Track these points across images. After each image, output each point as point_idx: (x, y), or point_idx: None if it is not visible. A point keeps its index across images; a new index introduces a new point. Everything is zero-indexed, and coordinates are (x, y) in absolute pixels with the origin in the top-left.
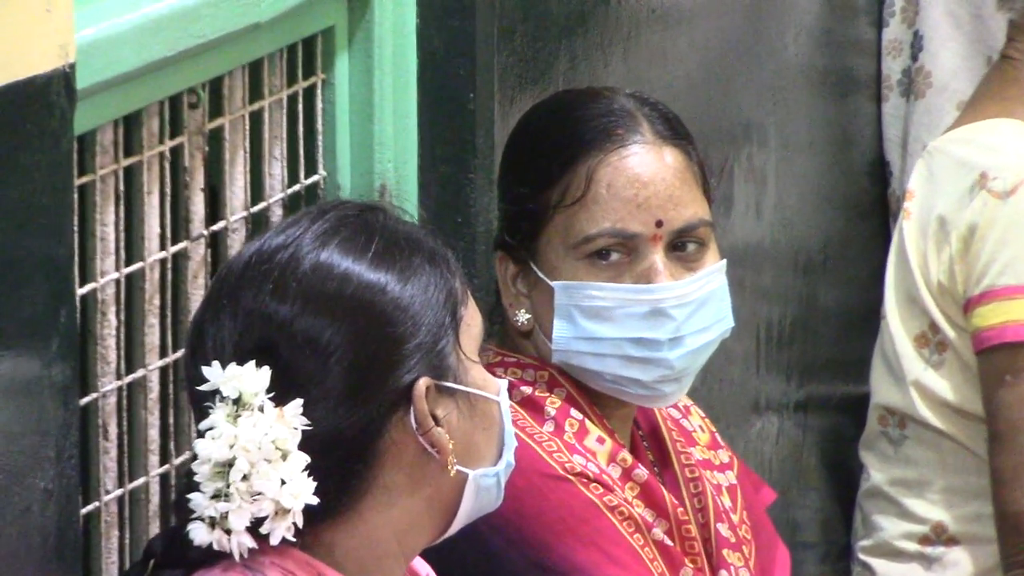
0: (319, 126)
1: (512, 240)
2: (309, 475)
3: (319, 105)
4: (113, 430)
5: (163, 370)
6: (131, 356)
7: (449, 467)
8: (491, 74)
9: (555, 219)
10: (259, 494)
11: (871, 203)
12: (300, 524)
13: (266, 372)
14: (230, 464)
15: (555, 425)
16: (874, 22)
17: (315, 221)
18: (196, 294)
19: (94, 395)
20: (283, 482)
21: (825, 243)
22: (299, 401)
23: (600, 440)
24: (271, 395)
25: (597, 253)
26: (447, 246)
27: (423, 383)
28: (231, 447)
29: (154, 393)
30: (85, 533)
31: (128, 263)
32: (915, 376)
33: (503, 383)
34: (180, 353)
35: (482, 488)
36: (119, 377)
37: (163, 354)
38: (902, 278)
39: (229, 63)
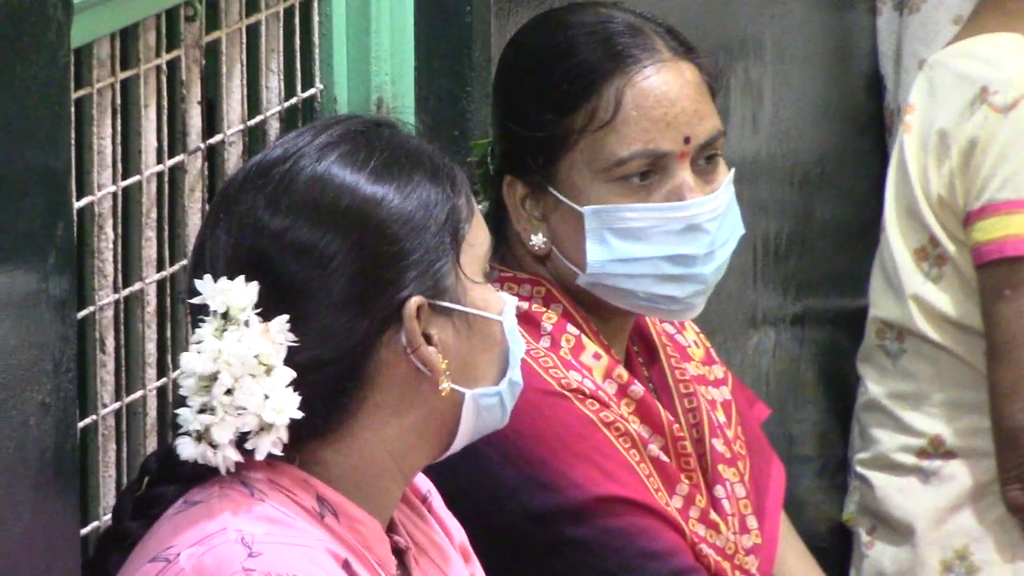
0: (316, 39)
1: (533, 164)
2: (298, 391)
3: (316, 18)
4: (110, 343)
5: (160, 283)
6: (128, 269)
7: (440, 386)
8: None
9: (580, 143)
10: (243, 408)
11: (868, 117)
12: (284, 439)
13: (254, 287)
14: (215, 378)
15: (551, 340)
16: None
17: (318, 135)
18: (193, 207)
19: (91, 308)
20: (266, 397)
21: (822, 156)
22: (284, 317)
23: (596, 356)
24: (260, 310)
25: (628, 175)
26: (455, 162)
27: (414, 302)
28: (215, 361)
29: (151, 306)
30: (82, 446)
31: (125, 176)
32: (914, 289)
33: (511, 301)
34: (177, 266)
35: (483, 408)
36: (116, 290)
37: (160, 267)
38: (902, 191)
39: None
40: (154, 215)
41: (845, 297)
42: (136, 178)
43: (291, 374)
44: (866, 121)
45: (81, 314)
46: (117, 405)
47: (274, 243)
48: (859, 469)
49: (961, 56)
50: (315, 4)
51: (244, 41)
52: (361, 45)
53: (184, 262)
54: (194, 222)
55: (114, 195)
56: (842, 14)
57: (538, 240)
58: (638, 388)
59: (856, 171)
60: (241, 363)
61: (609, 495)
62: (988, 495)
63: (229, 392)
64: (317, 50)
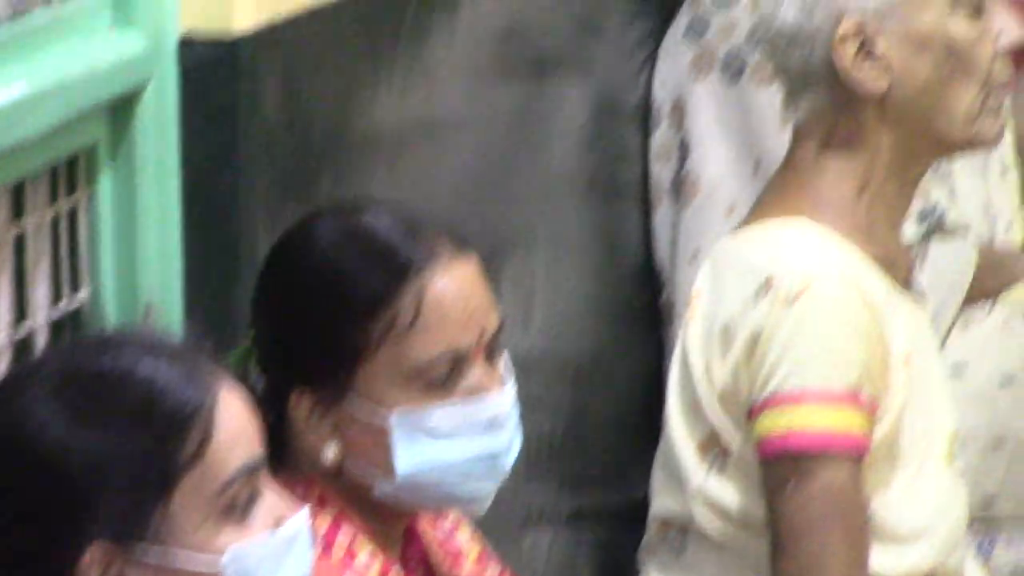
0: (83, 245)
1: (330, 377)
2: None
3: (83, 223)
4: None
5: None
6: None
7: None
8: (254, 188)
9: (380, 351)
10: None
11: (641, 309)
12: None
13: None
14: None
15: (323, 545)
16: (640, 127)
17: (43, 365)
18: None
19: None
20: None
21: (595, 351)
22: None
23: (373, 555)
24: None
25: (432, 377)
26: (207, 390)
27: (90, 552)
28: None
29: None
30: None
31: None
32: (697, 483)
33: (291, 526)
34: None
35: None
36: None
37: None
38: (685, 384)
39: None
40: None
41: (622, 492)
42: None
43: None
44: (639, 315)
45: None
46: None
47: None
48: None
49: (746, 243)
50: (82, 209)
51: (10, 249)
52: (128, 249)
53: None
54: None
55: None
56: (612, 207)
57: (329, 453)
58: None
59: (630, 365)
60: None
61: None
62: None
63: None
64: (85, 256)
